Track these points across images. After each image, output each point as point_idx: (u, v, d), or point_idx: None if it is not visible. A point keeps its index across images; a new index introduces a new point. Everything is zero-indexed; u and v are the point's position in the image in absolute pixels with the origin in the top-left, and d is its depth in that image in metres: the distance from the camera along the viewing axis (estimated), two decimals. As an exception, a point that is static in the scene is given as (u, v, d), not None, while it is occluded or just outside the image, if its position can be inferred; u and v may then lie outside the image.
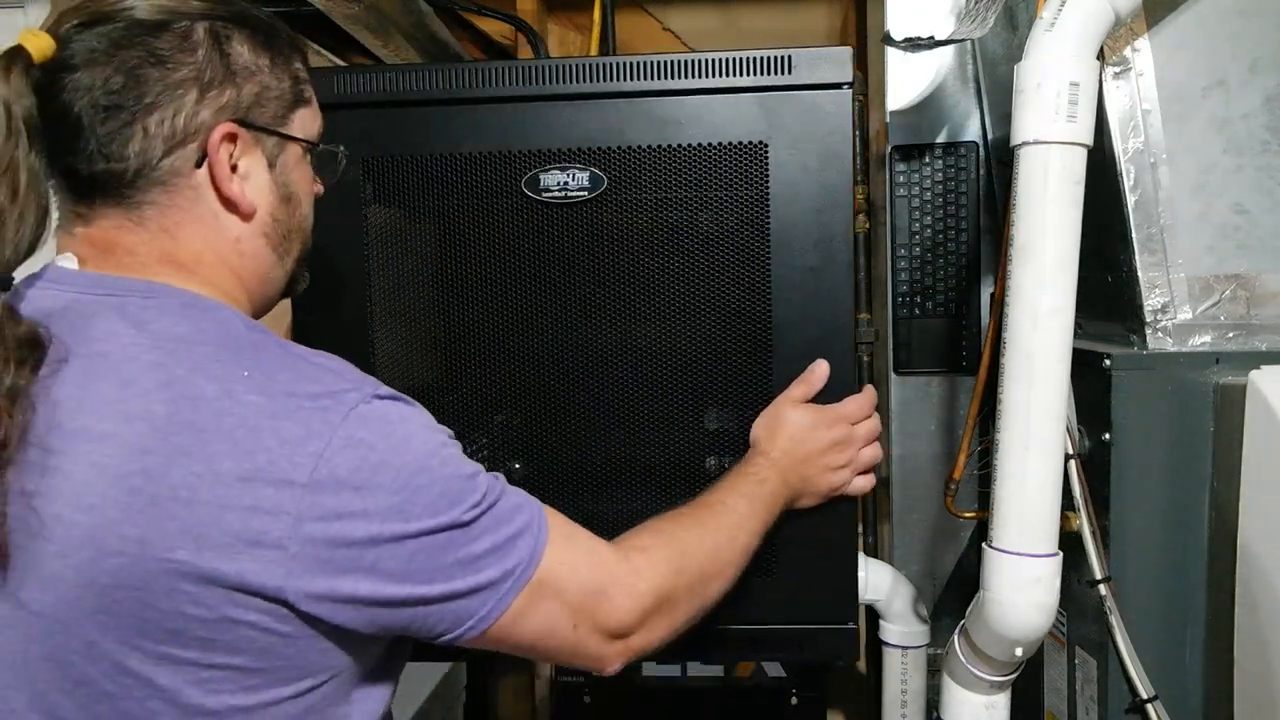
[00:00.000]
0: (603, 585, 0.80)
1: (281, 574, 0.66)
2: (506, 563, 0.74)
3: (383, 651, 0.78)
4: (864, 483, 1.05)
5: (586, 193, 1.03)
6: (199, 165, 0.75)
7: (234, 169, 0.77)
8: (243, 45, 0.77)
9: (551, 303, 1.06)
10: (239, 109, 0.77)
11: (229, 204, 0.77)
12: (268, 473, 0.66)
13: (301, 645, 0.69)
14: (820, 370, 1.02)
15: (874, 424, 1.05)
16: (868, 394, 1.05)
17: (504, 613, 0.74)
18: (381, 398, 0.72)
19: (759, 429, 1.02)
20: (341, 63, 2.02)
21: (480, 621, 0.74)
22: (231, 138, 0.76)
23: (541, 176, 1.03)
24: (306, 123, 0.84)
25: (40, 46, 0.70)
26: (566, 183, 1.03)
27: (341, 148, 0.90)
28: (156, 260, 0.75)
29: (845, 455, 1.02)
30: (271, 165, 0.80)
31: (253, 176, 0.79)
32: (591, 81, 1.02)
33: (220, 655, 0.67)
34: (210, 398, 0.67)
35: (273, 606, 0.67)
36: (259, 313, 0.83)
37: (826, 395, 1.03)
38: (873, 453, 1.05)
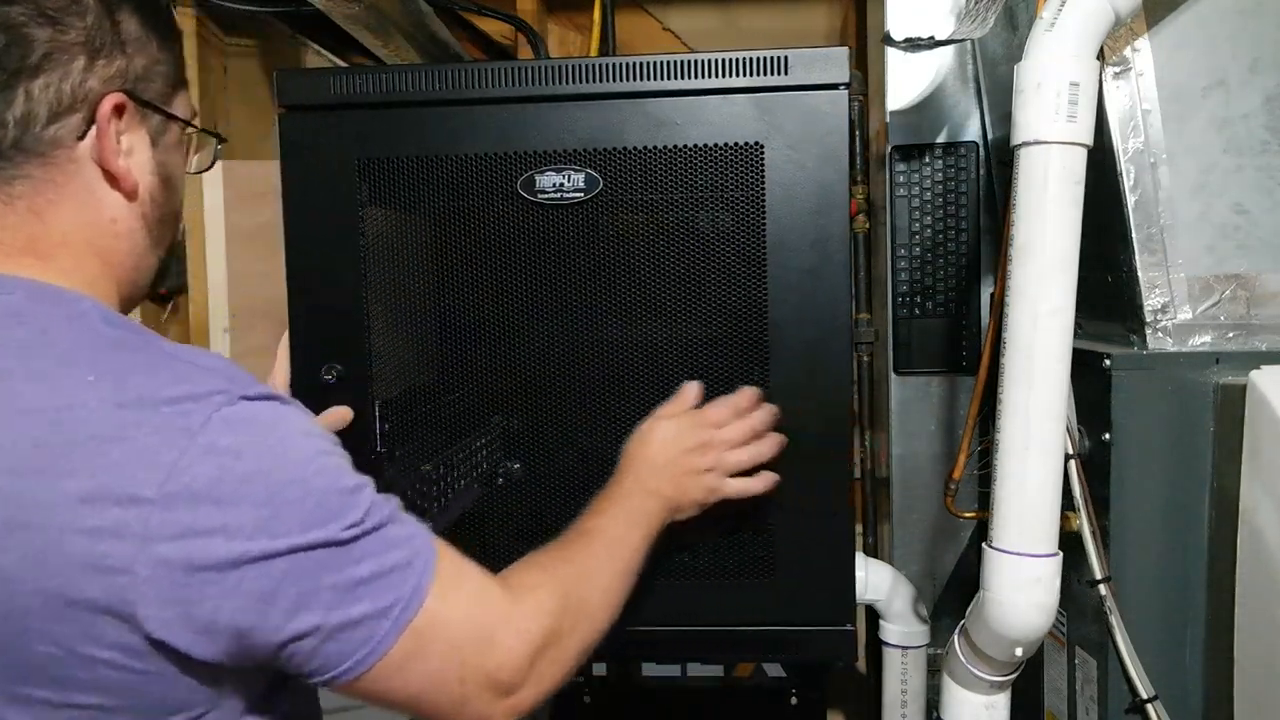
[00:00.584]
0: (491, 630, 0.72)
1: (132, 602, 0.59)
2: (385, 598, 0.66)
3: (266, 684, 0.70)
4: (740, 485, 0.99)
5: (582, 194, 1.02)
6: (82, 137, 0.70)
7: (117, 143, 0.72)
8: (131, 16, 0.72)
9: (547, 304, 1.05)
10: (127, 80, 0.71)
11: (112, 180, 0.72)
12: (112, 490, 0.59)
13: (164, 681, 0.63)
14: (691, 390, 1.00)
15: (742, 427, 0.99)
16: (739, 395, 1.00)
17: (384, 656, 0.66)
18: (251, 398, 0.64)
19: (628, 445, 0.99)
20: (341, 63, 2.03)
21: (357, 664, 0.66)
22: (120, 110, 0.71)
23: (537, 178, 1.02)
24: (185, 105, 0.79)
25: None
26: (562, 184, 1.02)
27: (218, 137, 0.86)
28: (19, 249, 0.69)
29: (707, 459, 0.96)
30: (154, 144, 0.76)
31: (136, 153, 0.74)
32: (589, 82, 1.02)
33: (77, 694, 0.61)
34: (49, 409, 0.61)
35: (126, 639, 0.60)
36: (128, 305, 0.77)
37: (824, 396, 1.02)
38: (740, 456, 0.98)
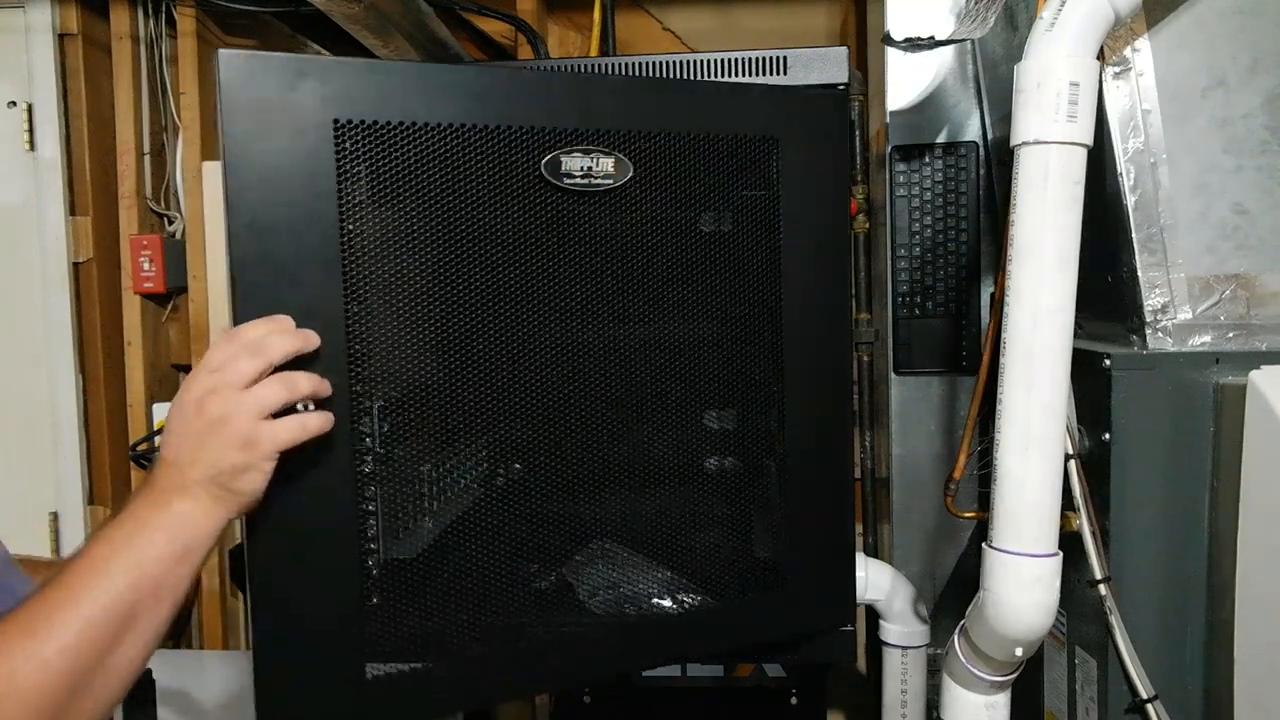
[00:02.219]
0: None
1: None
2: None
3: None
4: (288, 425, 0.73)
5: (611, 181, 0.92)
6: None
7: None
8: None
9: (563, 300, 0.96)
10: None
11: None
12: None
13: None
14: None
15: (252, 361, 0.73)
16: (258, 322, 0.78)
17: None
18: None
19: None
20: (341, 63, 2.02)
21: None
22: None
23: (563, 159, 0.90)
24: None
25: None
26: (590, 168, 0.91)
27: None
28: None
29: (217, 405, 0.71)
30: None
31: None
32: (590, 82, 1.01)
33: None
34: None
35: None
36: None
37: (824, 394, 1.02)
38: (266, 391, 0.73)
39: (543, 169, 0.90)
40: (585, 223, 0.94)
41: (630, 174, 0.93)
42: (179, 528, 0.70)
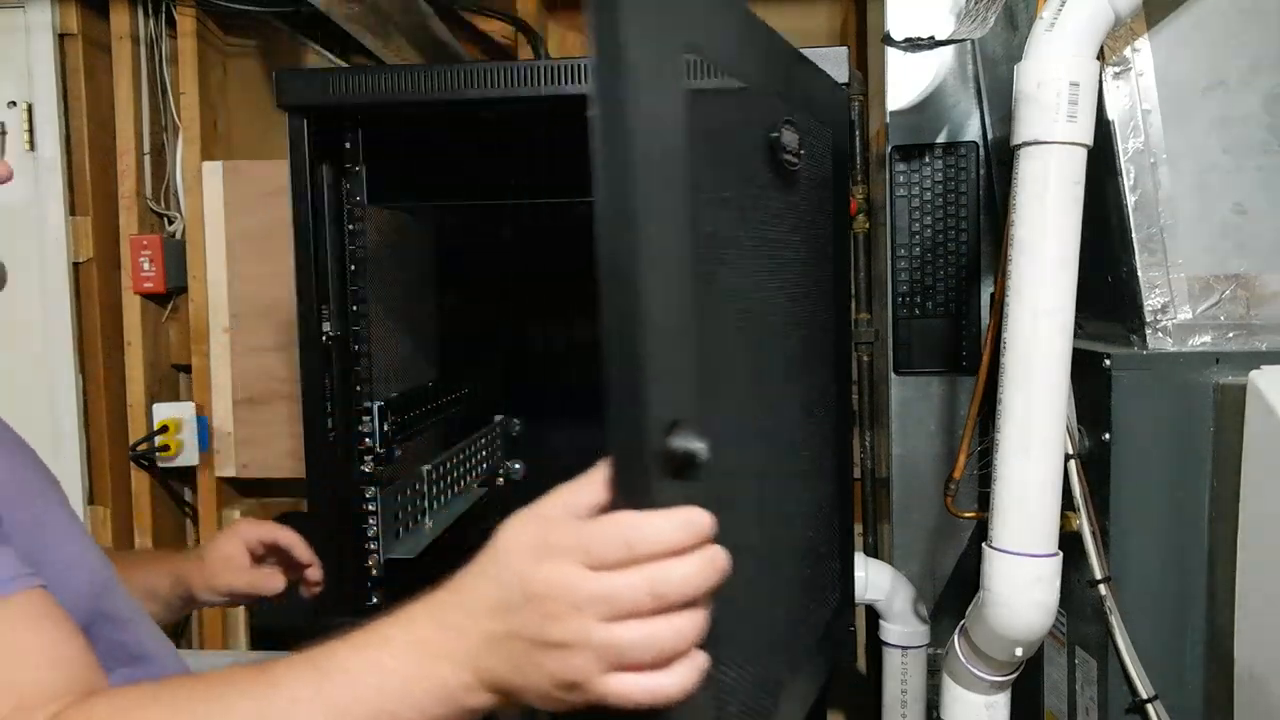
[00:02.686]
0: None
1: None
2: None
3: None
4: (630, 688, 0.49)
5: (798, 162, 0.80)
6: None
7: None
8: None
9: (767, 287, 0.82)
10: None
11: None
12: None
13: None
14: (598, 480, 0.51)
15: (652, 578, 0.48)
16: (672, 518, 0.49)
17: None
18: None
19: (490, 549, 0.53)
20: (342, 63, 2.03)
21: None
22: None
23: (784, 132, 0.77)
24: None
25: None
26: (793, 144, 0.78)
27: None
28: None
29: (570, 627, 0.48)
30: None
31: None
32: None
33: None
34: None
35: None
36: None
37: (824, 396, 1.01)
38: (634, 637, 0.48)
39: (770, 140, 0.76)
40: (782, 202, 0.82)
41: (802, 156, 0.81)
42: (436, 701, 0.52)
